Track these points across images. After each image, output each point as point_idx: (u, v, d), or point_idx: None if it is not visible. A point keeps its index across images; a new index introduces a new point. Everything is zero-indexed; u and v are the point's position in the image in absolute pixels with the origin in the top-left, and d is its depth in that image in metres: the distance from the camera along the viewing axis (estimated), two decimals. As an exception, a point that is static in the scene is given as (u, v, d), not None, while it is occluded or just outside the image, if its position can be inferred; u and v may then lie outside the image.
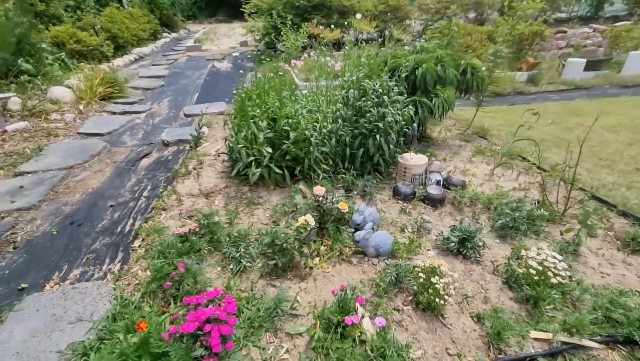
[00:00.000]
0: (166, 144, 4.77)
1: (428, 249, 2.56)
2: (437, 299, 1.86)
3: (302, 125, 3.09)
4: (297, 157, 3.30)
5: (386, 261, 2.43)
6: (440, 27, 5.38)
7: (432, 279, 1.92)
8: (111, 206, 3.32)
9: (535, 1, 7.29)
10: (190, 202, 3.23)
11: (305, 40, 9.18)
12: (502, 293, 2.15)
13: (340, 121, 3.31)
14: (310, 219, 2.25)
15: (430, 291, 1.89)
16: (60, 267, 2.47)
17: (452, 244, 2.42)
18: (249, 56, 11.82)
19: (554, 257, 2.05)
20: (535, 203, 3.13)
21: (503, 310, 2.02)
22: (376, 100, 3.19)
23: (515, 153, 4.21)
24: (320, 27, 9.22)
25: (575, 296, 2.03)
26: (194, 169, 3.92)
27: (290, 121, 3.23)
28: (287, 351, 1.78)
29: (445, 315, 2.00)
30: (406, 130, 3.48)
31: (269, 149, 3.19)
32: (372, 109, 3.14)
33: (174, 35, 18.97)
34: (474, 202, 3.12)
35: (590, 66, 8.02)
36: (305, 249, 2.29)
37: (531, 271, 2.02)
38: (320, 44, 7.18)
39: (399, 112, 3.30)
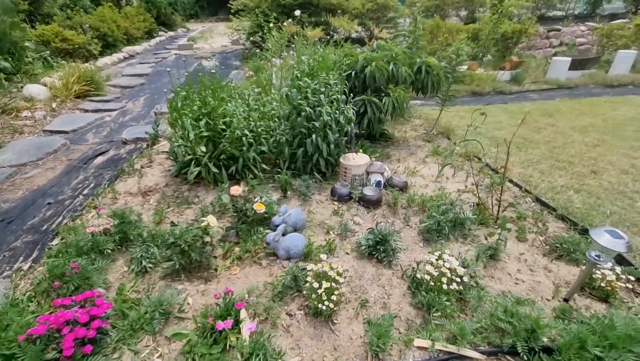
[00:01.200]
0: (124, 142, 4.76)
1: (347, 252, 2.50)
2: (319, 305, 1.80)
3: (234, 124, 3.04)
4: (233, 156, 3.25)
5: (298, 263, 2.37)
6: (409, 25, 5.28)
7: (322, 283, 1.85)
8: (48, 203, 3.31)
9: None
10: (124, 201, 3.21)
11: (288, 38, 9.14)
12: (404, 299, 2.08)
13: (277, 120, 3.25)
14: (212, 221, 2.20)
15: (313, 296, 1.83)
16: (-26, 264, 2.47)
17: (363, 247, 2.35)
18: (237, 54, 11.83)
19: (453, 263, 1.96)
20: (473, 206, 3.04)
21: (398, 316, 1.95)
22: (312, 99, 3.12)
23: (472, 154, 4.10)
24: (297, 26, 9.14)
25: (473, 303, 1.94)
26: (142, 167, 3.90)
27: (227, 120, 3.19)
28: (160, 355, 1.74)
29: (336, 321, 1.93)
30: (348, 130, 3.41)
31: (203, 148, 3.15)
32: (307, 108, 3.08)
33: (170, 33, 19.07)
34: (410, 204, 3.04)
35: (576, 65, 7.81)
36: (209, 251, 2.24)
37: (426, 276, 1.94)
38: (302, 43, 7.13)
39: (337, 111, 3.22)
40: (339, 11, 11.22)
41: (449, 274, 1.91)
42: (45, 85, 6.84)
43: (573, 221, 2.78)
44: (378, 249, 2.33)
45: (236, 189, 2.54)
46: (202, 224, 2.18)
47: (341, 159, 3.34)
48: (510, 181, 3.51)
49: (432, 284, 1.92)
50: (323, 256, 2.08)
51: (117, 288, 2.07)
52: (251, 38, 10.83)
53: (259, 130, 3.23)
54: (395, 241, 2.35)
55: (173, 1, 22.03)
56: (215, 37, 17.02)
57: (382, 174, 3.33)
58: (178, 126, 3.18)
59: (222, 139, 3.21)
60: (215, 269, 2.30)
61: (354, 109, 3.41)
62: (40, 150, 4.49)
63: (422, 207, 2.99)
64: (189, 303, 2.02)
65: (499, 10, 7.32)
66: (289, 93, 3.27)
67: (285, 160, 3.41)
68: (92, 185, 3.63)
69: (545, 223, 2.82)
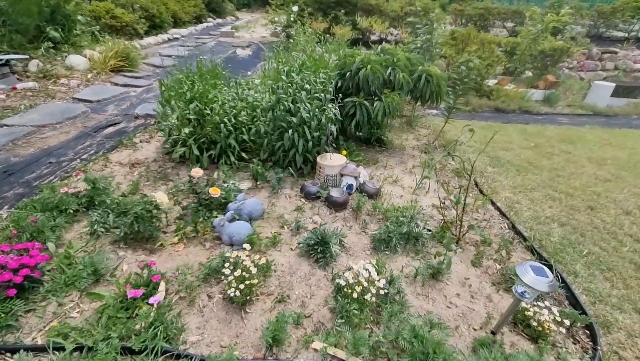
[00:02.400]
0: (136, 117, 5.09)
1: (291, 248, 2.52)
2: (228, 290, 1.85)
3: (215, 110, 3.16)
4: (215, 141, 3.38)
5: (239, 250, 2.44)
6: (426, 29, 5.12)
7: (234, 271, 1.91)
8: (49, 163, 3.65)
9: (561, 14, 6.62)
10: (111, 169, 3.46)
11: (319, 35, 9.21)
12: (324, 301, 2.07)
13: (258, 111, 3.32)
14: (161, 197, 2.32)
15: (225, 281, 1.88)
16: (-32, 206, 2.80)
17: (302, 246, 2.37)
18: (271, 46, 12.07)
19: (372, 274, 1.93)
20: (442, 222, 2.93)
21: (311, 317, 1.96)
22: (296, 95, 3.16)
23: (465, 170, 3.92)
24: (325, 23, 9.14)
25: (384, 317, 1.90)
26: (140, 142, 4.16)
27: (214, 106, 3.32)
28: (79, 311, 1.89)
29: (249, 310, 1.98)
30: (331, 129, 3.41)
31: (186, 130, 3.30)
32: (285, 102, 3.12)
33: (218, 20, 19.84)
34: (374, 211, 2.99)
35: (621, 92, 7.13)
36: (157, 225, 2.38)
37: (341, 282, 1.93)
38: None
39: (318, 109, 3.23)
40: (381, 12, 11.09)
41: (365, 284, 1.88)
42: (85, 57, 7.45)
43: (540, 255, 2.60)
44: (316, 250, 2.33)
45: (196, 171, 2.65)
46: (153, 199, 2.31)
47: (318, 158, 3.36)
48: (493, 203, 3.33)
49: (347, 291, 1.90)
50: (246, 246, 2.13)
51: (70, 245, 2.26)
52: (286, 31, 11.01)
53: (241, 119, 3.32)
54: (335, 245, 2.33)
55: (227, -11, 22.85)
56: (258, 27, 17.44)
57: (355, 177, 3.30)
58: (167, 106, 3.36)
59: (206, 124, 3.35)
60: (162, 244, 2.43)
61: (334, 110, 3.39)
62: (62, 115, 4.93)
63: (385, 216, 2.93)
64: (122, 269, 2.16)
65: (539, 25, 6.84)
66: (274, 86, 3.32)
67: (266, 151, 3.48)
68: (92, 152, 3.94)
69: (509, 252, 2.66)
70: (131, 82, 7.00)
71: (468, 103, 6.80)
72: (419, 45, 5.05)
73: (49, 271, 2.07)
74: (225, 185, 2.95)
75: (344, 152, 3.77)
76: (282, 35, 11.74)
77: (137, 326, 1.70)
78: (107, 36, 9.49)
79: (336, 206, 3.03)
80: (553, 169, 4.14)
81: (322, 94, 3.29)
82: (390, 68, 3.82)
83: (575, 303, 2.19)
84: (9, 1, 6.55)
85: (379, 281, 1.92)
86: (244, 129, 3.36)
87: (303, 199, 3.16)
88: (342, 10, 10.29)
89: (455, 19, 11.51)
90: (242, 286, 1.85)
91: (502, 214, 3.17)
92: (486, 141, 4.91)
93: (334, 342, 1.74)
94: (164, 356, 1.66)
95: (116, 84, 6.82)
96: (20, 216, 2.31)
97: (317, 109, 3.22)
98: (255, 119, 3.43)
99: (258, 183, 3.27)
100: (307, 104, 3.17)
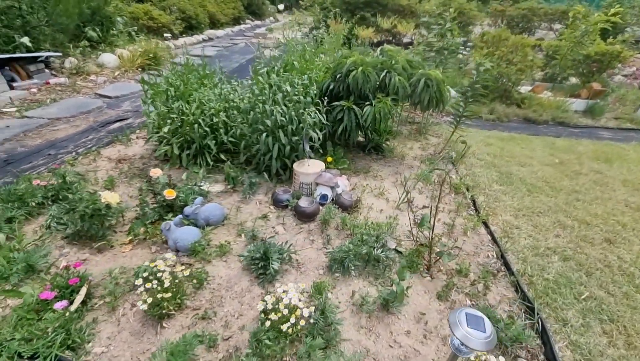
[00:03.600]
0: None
1: (240, 260, 2.37)
2: (139, 302, 1.74)
3: (190, 110, 3.10)
4: (193, 140, 3.33)
5: (184, 256, 2.33)
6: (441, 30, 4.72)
7: (147, 282, 1.79)
8: (48, 154, 3.84)
9: (609, 14, 5.81)
10: (98, 164, 3.55)
11: (346, 36, 9.03)
12: (251, 323, 1.89)
13: (235, 112, 3.22)
14: (110, 197, 2.28)
15: (138, 292, 1.77)
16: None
17: (243, 258, 2.20)
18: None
19: (292, 300, 1.70)
20: (416, 244, 2.61)
21: (229, 340, 1.78)
22: (268, 97, 3.01)
23: (463, 186, 3.52)
24: (343, 24, 8.89)
25: (301, 351, 1.66)
26: (136, 138, 4.26)
27: (189, 106, 3.28)
28: (3, 307, 1.88)
29: (166, 325, 1.85)
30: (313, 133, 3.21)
31: (166, 128, 3.29)
32: (260, 105, 2.98)
33: (257, 22, 20.34)
34: (343, 226, 2.74)
35: (684, 105, 6.11)
36: (105, 224, 2.34)
37: (260, 306, 1.73)
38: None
39: (294, 112, 3.05)
40: (412, 13, 10.64)
41: (284, 312, 1.67)
42: (116, 55, 7.90)
43: (525, 294, 2.19)
44: (257, 265, 2.15)
45: (155, 172, 2.60)
46: (100, 198, 2.27)
47: (295, 164, 3.17)
48: (486, 226, 2.93)
49: (269, 316, 1.70)
50: (168, 255, 2.00)
51: (18, 237, 2.30)
52: (313, 32, 10.92)
53: (218, 120, 3.23)
54: (276, 262, 2.14)
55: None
56: (299, 29, 17.60)
57: (331, 187, 3.07)
58: (150, 104, 3.37)
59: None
60: (111, 244, 2.39)
61: (315, 114, 3.18)
62: (78, 109, 5.21)
63: (353, 232, 2.67)
64: (59, 267, 2.14)
65: (584, 26, 6.07)
66: (253, 87, 3.20)
67: (245, 154, 3.37)
68: (90, 145, 4.09)
69: (488, 287, 2.28)
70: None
71: (493, 111, 6.22)
72: (434, 47, 4.67)
73: (-8, 262, 2.10)
74: (188, 187, 2.88)
75: (329, 158, 3.56)
76: (310, 37, 11.68)
77: (40, 331, 1.64)
78: (143, 36, 10.04)
79: (304, 216, 2.82)
80: (574, 192, 3.58)
81: (302, 97, 3.10)
82: (385, 71, 3.53)
83: (552, 360, 1.80)
84: (51, 3, 7.13)
85: (303, 309, 1.69)
86: (221, 130, 3.27)
87: (272, 207, 3.00)
88: (371, 11, 9.97)
89: (494, 21, 10.68)
90: (149, 300, 1.72)
91: (494, 240, 2.77)
92: (502, 154, 4.44)
93: None
94: (58, 366, 1.59)
95: (138, 82, 7.14)
96: (-18, 205, 2.39)
97: (293, 113, 3.04)
98: (236, 121, 3.33)
99: (230, 186, 3.16)
100: (283, 107, 3.00)
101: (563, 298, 2.21)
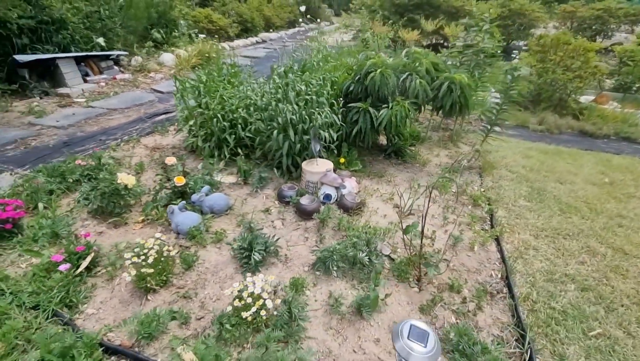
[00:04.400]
0: (186, 108, 5.70)
1: (233, 248, 2.48)
2: (124, 275, 1.93)
3: (211, 106, 3.33)
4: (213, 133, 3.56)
5: (183, 239, 2.52)
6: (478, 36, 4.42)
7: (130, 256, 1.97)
8: (100, 140, 4.37)
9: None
10: (136, 150, 3.96)
11: (392, 39, 8.91)
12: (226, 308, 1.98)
13: (251, 109, 3.36)
14: (126, 179, 2.55)
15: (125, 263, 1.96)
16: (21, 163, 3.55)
17: (231, 247, 2.30)
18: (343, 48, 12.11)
19: (256, 290, 1.75)
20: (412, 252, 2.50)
21: (201, 319, 1.90)
22: (281, 95, 3.11)
23: (483, 198, 3.28)
24: (387, 26, 8.68)
25: (258, 340, 1.70)
26: (174, 130, 4.65)
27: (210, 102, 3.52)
28: (29, 264, 2.21)
29: (150, 298, 2.02)
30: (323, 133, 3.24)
31: (191, 122, 3.56)
32: (273, 102, 3.09)
33: (312, 25, 20.82)
34: (339, 227, 2.73)
35: None
36: (122, 203, 2.62)
37: (227, 292, 1.80)
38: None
39: (304, 111, 3.10)
40: (467, 15, 10.10)
41: (248, 300, 1.73)
42: (174, 55, 8.68)
43: (521, 320, 1.99)
44: (242, 254, 2.25)
45: (170, 160, 2.83)
46: (117, 179, 2.55)
47: (304, 162, 3.23)
48: (497, 242, 2.70)
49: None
50: (162, 236, 2.16)
51: (53, 207, 2.68)
52: (360, 35, 10.90)
53: (237, 115, 3.41)
54: (257, 253, 2.21)
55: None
56: (347, 32, 17.70)
57: (336, 188, 3.07)
58: (181, 99, 3.68)
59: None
60: (125, 222, 2.67)
61: (327, 114, 3.20)
62: (133, 102, 5.84)
63: (347, 234, 2.64)
64: (76, 235, 2.44)
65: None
66: (270, 86, 3.32)
67: (260, 150, 3.52)
68: (134, 134, 4.57)
69: (481, 307, 2.11)
70: (204, 78, 7.87)
71: (543, 121, 5.67)
72: (469, 50, 4.39)
73: (31, 226, 2.47)
74: (199, 176, 3.07)
75: (342, 159, 3.55)
76: (358, 40, 11.66)
77: (46, 288, 1.90)
78: (201, 38, 10.89)
79: (304, 214, 2.86)
80: (618, 216, 3.13)
81: (314, 97, 3.15)
82: (406, 74, 3.42)
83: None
84: (124, 9, 8.08)
85: (267, 300, 1.74)
86: (240, 126, 3.44)
87: (277, 202, 3.09)
88: (421, 13, 9.66)
89: (563, 23, 9.65)
90: (133, 273, 1.90)
91: (502, 258, 2.54)
92: (540, 169, 4.03)
93: (202, 351, 1.65)
94: (54, 318, 1.83)
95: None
96: (30, 177, 2.82)
97: (304, 112, 3.10)
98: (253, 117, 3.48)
99: (242, 179, 3.31)
100: (295, 106, 3.07)
101: (567, 332, 1.96)
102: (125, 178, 2.55)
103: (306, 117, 3.11)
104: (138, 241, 2.10)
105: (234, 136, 3.53)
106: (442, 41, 10.68)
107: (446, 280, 2.30)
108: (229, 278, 2.20)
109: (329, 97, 3.32)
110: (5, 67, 5.95)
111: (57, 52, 6.57)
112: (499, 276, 2.40)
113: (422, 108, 3.64)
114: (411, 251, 2.36)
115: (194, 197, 2.75)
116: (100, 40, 7.42)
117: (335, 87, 3.82)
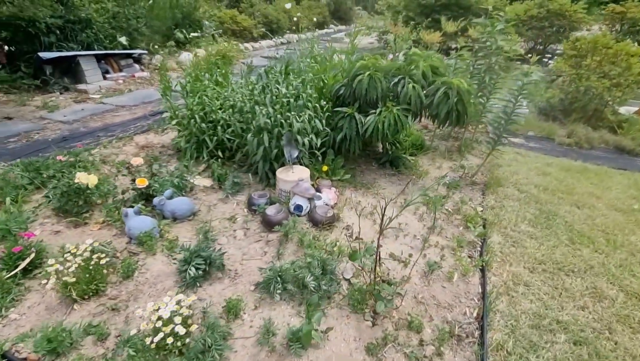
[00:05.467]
0: (190, 107, 5.71)
1: (171, 255, 2.33)
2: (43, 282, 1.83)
3: (189, 107, 3.23)
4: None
5: (133, 245, 2.41)
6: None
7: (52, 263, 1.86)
8: (97, 136, 4.44)
9: None
10: (126, 147, 3.96)
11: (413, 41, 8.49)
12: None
13: (230, 110, 3.22)
14: (84, 179, 2.48)
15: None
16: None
17: (176, 258, 2.15)
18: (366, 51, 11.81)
19: (164, 314, 1.56)
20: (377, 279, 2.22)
21: (119, 337, 1.75)
22: (256, 98, 2.93)
23: (479, 220, 2.90)
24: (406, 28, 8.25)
25: None
26: (169, 129, 4.64)
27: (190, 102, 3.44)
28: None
29: (76, 308, 1.91)
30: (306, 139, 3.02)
31: (174, 122, 3.49)
32: (247, 105, 2.92)
33: (340, 27, 20.62)
34: (301, 242, 2.49)
35: None
36: (79, 203, 2.57)
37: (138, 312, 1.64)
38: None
39: (279, 115, 2.90)
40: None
41: (158, 323, 1.55)
42: (192, 55, 8.83)
43: (485, 376, 1.65)
44: (182, 267, 2.08)
45: (136, 160, 2.75)
46: (72, 179, 2.50)
47: (280, 169, 3.03)
48: (482, 274, 2.33)
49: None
50: (89, 241, 2.04)
51: (19, 203, 2.68)
52: (384, 37, 10.53)
53: (215, 117, 3.29)
54: (194, 267, 2.03)
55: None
56: (374, 34, 17.31)
57: (309, 199, 2.83)
58: (164, 98, 3.62)
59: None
60: (85, 222, 2.61)
61: (301, 118, 2.97)
62: (142, 99, 5.96)
63: (305, 252, 2.40)
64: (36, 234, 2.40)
65: None
66: (254, 87, 3.16)
67: (241, 153, 3.37)
68: (132, 131, 4.60)
69: (441, 353, 1.79)
70: (219, 77, 7.93)
71: (572, 134, 5.06)
72: (480, 53, 3.95)
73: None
74: (165, 178, 2.96)
75: (325, 168, 3.31)
76: (382, 42, 11.30)
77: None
78: (225, 38, 11.05)
79: (269, 225, 2.66)
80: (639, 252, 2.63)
81: (291, 100, 2.94)
82: (398, 77, 3.12)
83: None
84: (148, 10, 8.35)
85: (179, 326, 1.55)
86: (220, 128, 3.31)
87: (246, 210, 2.91)
88: (449, 15, 9.11)
89: (611, 25, 8.68)
90: (52, 280, 1.79)
91: (483, 293, 2.18)
92: (556, 189, 3.53)
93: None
94: (-26, 322, 1.76)
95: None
96: (5, 171, 2.86)
97: (280, 115, 2.90)
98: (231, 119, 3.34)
99: (217, 183, 3.17)
100: (270, 109, 2.88)
101: (542, 397, 1.60)
102: (84, 178, 2.49)
103: (281, 121, 2.91)
104: (77, 244, 2.00)
105: (215, 137, 3.41)
106: (471, 43, 10.02)
107: (406, 316, 1.99)
108: (164, 292, 2.04)
109: (310, 100, 3.09)
110: (33, 63, 6.31)
111: (80, 50, 6.88)
112: (474, 315, 2.05)
113: (419, 115, 3.30)
114: (373, 277, 2.08)
115: (155, 200, 2.64)
116: (123, 40, 7.70)
117: (324, 90, 3.60)
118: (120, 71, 7.41)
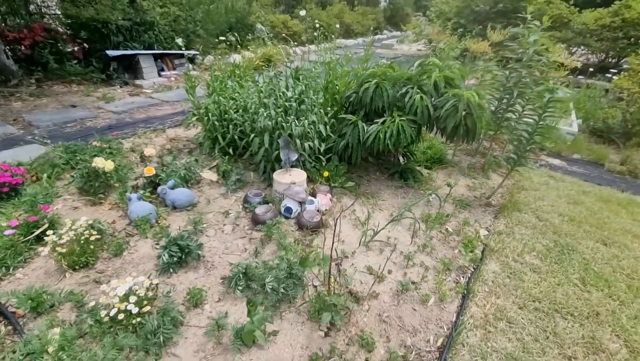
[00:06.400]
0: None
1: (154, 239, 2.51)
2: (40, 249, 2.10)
3: (206, 105, 3.46)
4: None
5: (130, 226, 2.65)
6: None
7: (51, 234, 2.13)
8: (139, 127, 4.93)
9: None
10: (157, 139, 4.35)
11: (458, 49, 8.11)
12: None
13: (240, 111, 3.37)
14: (100, 163, 2.80)
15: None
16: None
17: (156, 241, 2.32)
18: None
19: (118, 291, 1.71)
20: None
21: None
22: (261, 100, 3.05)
23: (478, 244, 2.70)
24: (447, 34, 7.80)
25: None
26: (193, 124, 4.99)
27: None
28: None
29: (67, 276, 2.16)
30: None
31: (194, 118, 3.77)
32: (253, 107, 3.05)
33: (395, 33, 20.29)
34: (280, 244, 2.54)
35: None
36: (98, 185, 2.90)
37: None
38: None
39: (279, 117, 2.98)
40: (560, 25, 8.60)
41: (114, 300, 1.70)
42: (240, 56, 9.35)
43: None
44: (163, 251, 2.25)
45: (149, 151, 3.02)
46: (93, 163, 2.82)
47: (277, 171, 3.12)
48: (462, 303, 2.17)
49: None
50: (84, 218, 2.27)
51: (52, 180, 3.10)
52: (432, 44, 10.16)
53: (228, 116, 3.48)
54: (167, 254, 2.17)
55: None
56: (422, 41, 16.75)
57: (299, 203, 2.87)
58: (190, 96, 3.91)
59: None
60: (100, 202, 2.94)
61: (300, 122, 3.01)
62: (186, 96, 6.43)
63: (279, 254, 2.43)
64: (56, 208, 2.77)
65: None
66: (262, 90, 3.29)
67: (250, 152, 3.53)
68: (167, 125, 5.03)
69: (385, 376, 1.71)
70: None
71: (627, 160, 4.44)
72: (515, 65, 3.62)
73: (29, 193, 2.90)
74: (171, 170, 3.18)
75: (326, 173, 3.32)
76: (429, 49, 10.90)
77: (-7, 247, 2.20)
78: (274, 42, 11.53)
79: (256, 223, 2.75)
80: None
81: (293, 104, 3.00)
82: (407, 87, 3.02)
83: None
84: (204, 14, 9.05)
85: (130, 304, 1.69)
86: (230, 127, 3.50)
87: (241, 206, 3.03)
88: (504, 22, 8.51)
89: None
90: (47, 249, 2.05)
91: (455, 324, 2.03)
92: (584, 220, 3.13)
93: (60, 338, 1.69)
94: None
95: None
96: (49, 151, 3.32)
97: (281, 118, 2.98)
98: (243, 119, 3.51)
99: (222, 178, 3.35)
100: (273, 111, 2.98)
101: None
102: (100, 162, 2.81)
103: (283, 124, 2.99)
104: (74, 220, 2.27)
105: (228, 135, 3.61)
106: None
107: (361, 332, 1.93)
108: (144, 273, 2.23)
109: (315, 105, 3.13)
110: (102, 59, 7.21)
111: (141, 49, 7.70)
112: (438, 343, 1.92)
113: (428, 128, 3.16)
114: (328, 287, 2.05)
115: (159, 189, 2.88)
116: (179, 41, 8.39)
117: (336, 95, 3.61)
118: (174, 69, 8.13)
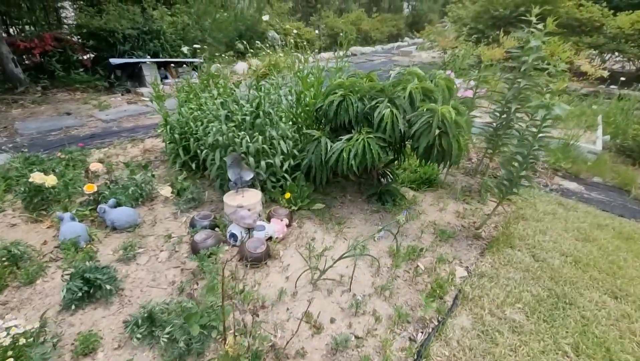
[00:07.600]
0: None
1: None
2: None
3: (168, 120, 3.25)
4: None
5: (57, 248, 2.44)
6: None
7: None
8: (121, 136, 4.84)
9: None
10: (130, 150, 4.21)
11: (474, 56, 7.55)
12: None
13: (204, 122, 3.12)
14: (38, 178, 2.62)
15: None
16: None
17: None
18: (429, 65, 10.88)
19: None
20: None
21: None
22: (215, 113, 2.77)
23: (452, 288, 2.24)
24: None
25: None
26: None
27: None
28: None
29: (-35, 307, 1.95)
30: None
31: (159, 130, 3.57)
32: (204, 120, 2.79)
33: (417, 40, 19.67)
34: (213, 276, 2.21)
35: None
36: (36, 201, 2.72)
37: None
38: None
39: (231, 132, 2.68)
40: (597, 29, 7.82)
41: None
42: (247, 64, 9.25)
43: None
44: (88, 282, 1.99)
45: (94, 165, 2.82)
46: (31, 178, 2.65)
47: (227, 192, 2.81)
48: (418, 354, 1.74)
49: None
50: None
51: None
52: (447, 51, 9.59)
53: (187, 129, 3.24)
54: (67, 287, 1.91)
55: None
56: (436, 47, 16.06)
57: (247, 229, 2.54)
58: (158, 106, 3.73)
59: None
60: (40, 219, 2.76)
61: (248, 138, 2.69)
62: (179, 104, 6.38)
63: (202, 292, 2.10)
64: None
65: None
66: (223, 100, 3.03)
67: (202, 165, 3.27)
68: (151, 133, 4.91)
69: None
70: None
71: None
72: (516, 75, 3.14)
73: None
74: (118, 187, 2.96)
75: (287, 195, 2.98)
76: (445, 56, 10.31)
77: None
78: (285, 49, 11.39)
79: (195, 251, 2.44)
80: None
81: (247, 117, 2.70)
82: (375, 100, 2.63)
83: None
84: (211, 23, 9.06)
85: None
86: (192, 140, 3.25)
87: (188, 229, 2.75)
88: (525, 27, 7.82)
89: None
90: None
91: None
92: (592, 264, 2.58)
93: None
94: None
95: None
96: (8, 161, 3.22)
97: (232, 134, 2.68)
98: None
99: (176, 196, 3.10)
100: (224, 126, 2.69)
101: None
102: (39, 177, 2.63)
103: (235, 140, 2.69)
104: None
105: (184, 150, 3.37)
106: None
107: (273, 405, 1.56)
108: (50, 308, 1.98)
109: (271, 119, 2.81)
110: (108, 68, 7.33)
111: (146, 57, 7.76)
112: None
113: (400, 146, 2.75)
114: (223, 344, 1.69)
115: (98, 208, 2.66)
116: (184, 49, 8.45)
117: (307, 108, 3.28)
118: (178, 77, 8.13)
